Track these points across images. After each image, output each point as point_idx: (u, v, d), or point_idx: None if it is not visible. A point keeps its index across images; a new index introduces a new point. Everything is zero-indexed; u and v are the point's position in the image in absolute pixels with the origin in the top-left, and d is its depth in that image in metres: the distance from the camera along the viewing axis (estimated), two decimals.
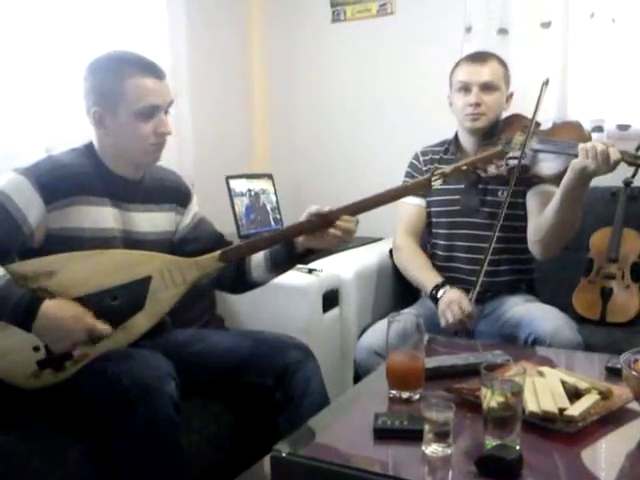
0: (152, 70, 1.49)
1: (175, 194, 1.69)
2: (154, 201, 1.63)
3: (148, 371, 1.35)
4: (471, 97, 1.92)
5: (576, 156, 1.66)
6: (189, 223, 1.71)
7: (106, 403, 1.35)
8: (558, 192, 1.75)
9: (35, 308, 1.34)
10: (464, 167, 1.58)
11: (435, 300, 1.91)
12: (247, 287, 1.70)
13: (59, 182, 1.45)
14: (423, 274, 2.01)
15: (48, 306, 1.35)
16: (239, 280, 1.66)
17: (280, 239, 1.56)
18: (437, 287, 1.91)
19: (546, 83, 1.84)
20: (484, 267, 1.81)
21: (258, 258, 1.62)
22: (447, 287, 1.90)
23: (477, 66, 1.94)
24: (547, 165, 1.83)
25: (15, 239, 1.42)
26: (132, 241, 1.55)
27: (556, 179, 1.78)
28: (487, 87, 1.93)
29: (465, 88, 1.94)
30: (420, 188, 1.71)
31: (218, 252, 1.51)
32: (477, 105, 1.92)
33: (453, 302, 1.83)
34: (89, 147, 1.56)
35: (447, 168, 1.57)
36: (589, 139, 1.77)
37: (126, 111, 1.47)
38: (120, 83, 1.46)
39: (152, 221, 1.61)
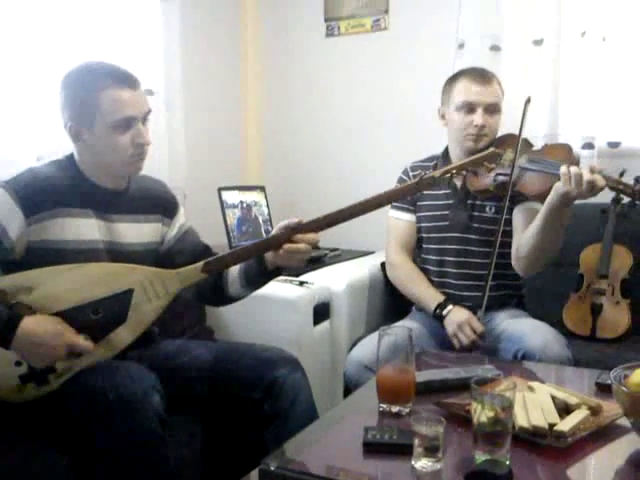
0: (126, 81, 1.47)
1: (162, 204, 1.68)
2: (140, 211, 1.61)
3: (132, 384, 1.33)
4: (477, 118, 1.89)
5: (560, 178, 1.66)
6: (175, 234, 1.69)
7: (90, 417, 1.34)
8: (541, 212, 1.75)
9: (14, 326, 1.32)
10: (454, 170, 1.53)
11: (439, 318, 1.92)
12: (225, 301, 1.69)
13: (39, 195, 1.44)
14: (423, 292, 2.01)
15: (27, 323, 1.33)
16: (218, 294, 1.65)
17: (264, 248, 1.51)
18: (440, 306, 1.92)
19: (528, 101, 1.83)
20: (488, 283, 1.81)
21: (233, 274, 1.61)
22: (450, 306, 1.91)
23: (482, 86, 1.91)
24: (531, 183, 1.83)
25: None
26: (117, 252, 1.54)
27: (540, 197, 1.79)
28: (491, 109, 1.92)
29: (469, 108, 1.91)
30: (408, 193, 1.67)
31: (201, 263, 1.49)
32: (482, 127, 1.90)
33: (463, 323, 1.85)
34: (70, 159, 1.55)
35: (436, 172, 1.52)
36: (576, 162, 1.75)
37: (102, 124, 1.45)
38: (94, 96, 1.44)
39: (138, 231, 1.60)
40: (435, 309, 1.93)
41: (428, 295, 1.98)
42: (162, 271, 1.49)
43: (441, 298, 1.95)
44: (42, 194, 1.44)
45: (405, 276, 2.07)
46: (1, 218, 1.40)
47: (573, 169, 1.63)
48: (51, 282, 1.40)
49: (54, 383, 1.41)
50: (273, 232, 1.50)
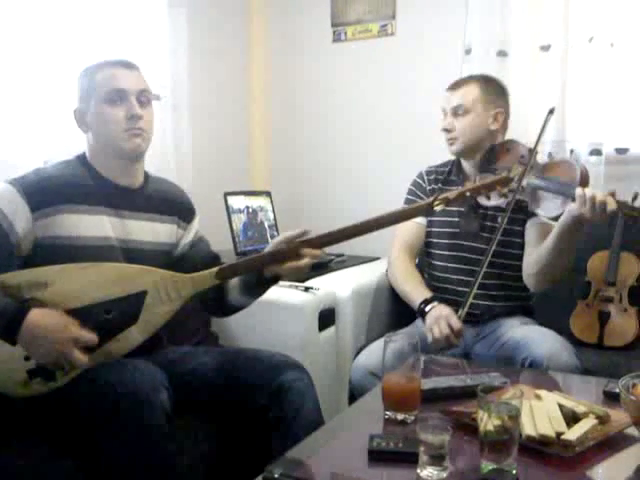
0: (121, 62, 1.54)
1: (179, 208, 1.69)
2: (156, 211, 1.63)
3: (141, 381, 1.34)
4: (444, 123, 1.99)
5: (574, 199, 1.66)
6: (190, 241, 1.71)
7: (98, 412, 1.34)
8: (553, 233, 1.75)
9: (20, 319, 1.32)
10: (468, 193, 1.55)
11: (422, 314, 1.87)
12: (228, 311, 1.69)
13: (45, 191, 1.46)
14: (413, 289, 1.97)
15: (33, 316, 1.33)
16: (219, 304, 1.65)
17: (279, 258, 1.49)
18: (426, 302, 1.88)
19: (551, 112, 1.81)
20: (475, 288, 1.79)
21: (233, 283, 1.61)
22: (435, 303, 1.86)
23: (449, 93, 1.99)
24: (546, 205, 1.81)
25: (3, 248, 1.42)
26: (130, 250, 1.55)
27: (555, 219, 1.78)
28: (457, 111, 1.96)
29: (444, 114, 2.00)
30: (421, 212, 1.67)
31: (215, 269, 1.49)
32: (448, 130, 1.97)
33: (441, 318, 1.80)
34: (81, 157, 1.58)
35: (451, 193, 1.53)
36: (585, 180, 1.75)
37: (97, 100, 1.51)
38: (92, 78, 1.52)
39: (152, 231, 1.61)
40: (420, 304, 1.89)
41: (417, 292, 1.94)
42: (176, 275, 1.49)
43: (428, 295, 1.91)
44: (47, 189, 1.46)
45: (400, 273, 2.04)
46: (9, 213, 1.42)
47: (588, 191, 1.64)
48: (66, 280, 1.40)
49: (60, 380, 1.41)
50: (280, 239, 1.50)
